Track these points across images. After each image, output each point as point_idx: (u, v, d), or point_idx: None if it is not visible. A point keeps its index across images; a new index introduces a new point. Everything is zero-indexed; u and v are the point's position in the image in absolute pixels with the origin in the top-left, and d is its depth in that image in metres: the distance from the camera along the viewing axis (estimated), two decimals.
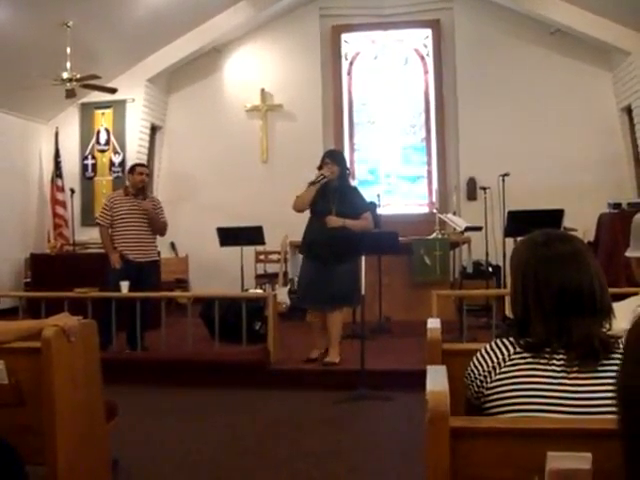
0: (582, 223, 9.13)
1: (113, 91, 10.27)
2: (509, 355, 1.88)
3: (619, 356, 1.81)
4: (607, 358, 1.81)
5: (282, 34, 11.88)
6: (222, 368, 6.57)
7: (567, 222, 8.04)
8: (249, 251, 9.91)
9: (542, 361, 1.82)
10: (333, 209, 6.48)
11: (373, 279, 7.96)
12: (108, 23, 9.92)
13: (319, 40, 11.92)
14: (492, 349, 1.93)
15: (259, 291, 9.69)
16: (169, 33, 11.11)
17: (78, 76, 9.44)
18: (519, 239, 2.11)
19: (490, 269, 9.33)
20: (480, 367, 1.93)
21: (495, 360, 1.90)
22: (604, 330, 1.87)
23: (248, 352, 6.77)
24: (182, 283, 11.50)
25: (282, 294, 9.01)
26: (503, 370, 1.86)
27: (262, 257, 10.86)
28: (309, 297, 6.58)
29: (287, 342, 7.11)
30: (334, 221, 6.44)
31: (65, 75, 9.39)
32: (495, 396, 1.85)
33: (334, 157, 6.71)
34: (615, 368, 1.78)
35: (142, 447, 4.67)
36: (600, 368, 1.79)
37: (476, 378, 1.93)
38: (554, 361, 1.82)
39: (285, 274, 10.12)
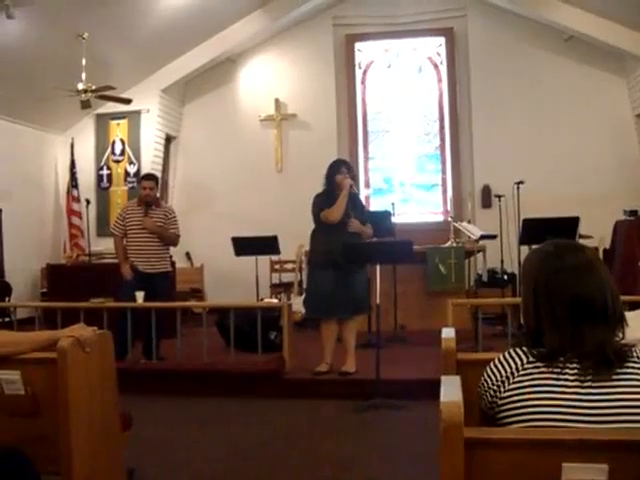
0: (598, 230, 9.08)
1: (128, 102, 10.33)
2: (522, 365, 1.87)
3: (634, 365, 1.80)
4: (621, 367, 1.80)
5: (296, 44, 11.91)
6: (237, 377, 6.57)
7: (583, 229, 8.00)
8: (264, 260, 9.92)
9: (556, 370, 1.82)
10: (352, 215, 6.51)
11: (388, 288, 7.95)
12: (123, 34, 9.99)
13: (333, 49, 11.96)
14: (505, 359, 1.93)
15: (274, 300, 9.69)
16: (183, 43, 11.17)
17: (93, 87, 9.51)
18: (531, 248, 2.11)
19: (505, 277, 9.29)
20: (493, 377, 1.92)
21: (509, 370, 1.89)
22: (617, 339, 1.86)
23: (263, 361, 6.77)
24: (197, 293, 11.53)
25: (297, 303, 8.98)
26: (517, 380, 1.86)
27: (277, 266, 10.87)
28: (329, 307, 6.51)
29: (302, 351, 7.10)
30: (355, 226, 6.52)
31: (80, 86, 9.46)
32: (509, 406, 1.84)
33: (348, 166, 6.74)
34: (630, 377, 1.77)
35: (158, 456, 4.67)
36: (614, 377, 1.78)
37: (489, 388, 1.92)
38: (567, 370, 1.81)
39: (300, 283, 10.12)
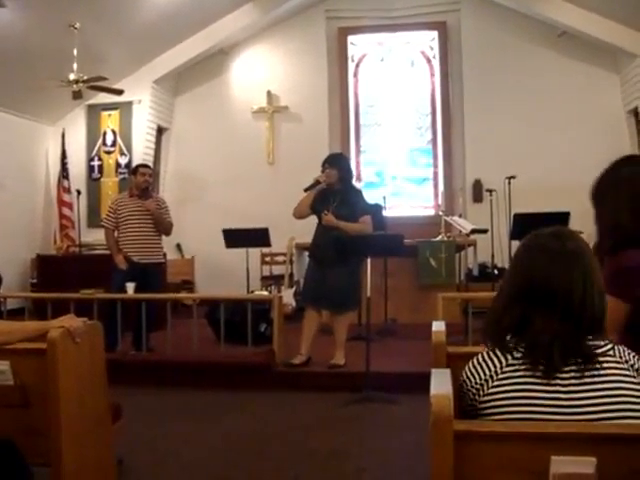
0: (588, 225, 9.05)
1: (120, 93, 10.29)
2: (501, 367, 1.85)
3: (610, 363, 1.79)
4: (598, 367, 1.78)
5: (289, 36, 11.89)
6: (227, 370, 6.57)
7: (573, 224, 8.01)
8: (255, 253, 9.92)
9: (531, 372, 1.80)
10: (330, 211, 6.50)
11: (379, 281, 7.96)
12: (115, 25, 9.95)
13: (325, 42, 11.94)
14: (484, 360, 1.90)
15: (265, 293, 9.70)
16: (176, 35, 11.13)
17: (85, 78, 9.46)
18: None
19: (496, 271, 9.31)
20: (473, 378, 1.90)
21: (487, 372, 1.87)
22: (587, 341, 1.83)
23: (253, 354, 6.77)
24: (188, 284, 11.52)
25: (288, 296, 9.00)
26: (495, 384, 1.84)
27: (268, 259, 10.86)
28: (313, 298, 6.61)
29: (293, 344, 7.11)
30: (329, 220, 6.49)
31: (72, 77, 9.41)
32: (489, 410, 1.83)
33: (332, 161, 6.72)
34: (611, 376, 1.77)
35: (147, 447, 4.67)
36: (595, 377, 1.77)
37: (469, 390, 1.91)
38: (542, 367, 1.79)
39: (291, 276, 10.13)
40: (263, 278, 10.72)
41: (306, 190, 6.66)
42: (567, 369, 1.78)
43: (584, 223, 8.91)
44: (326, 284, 6.46)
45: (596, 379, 1.77)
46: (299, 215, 6.74)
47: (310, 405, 5.81)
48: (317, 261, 6.64)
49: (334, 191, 6.59)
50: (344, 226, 6.46)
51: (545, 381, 1.77)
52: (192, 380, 6.48)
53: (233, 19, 11.30)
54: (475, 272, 9.81)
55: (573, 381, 1.77)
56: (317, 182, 6.58)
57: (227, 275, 10.36)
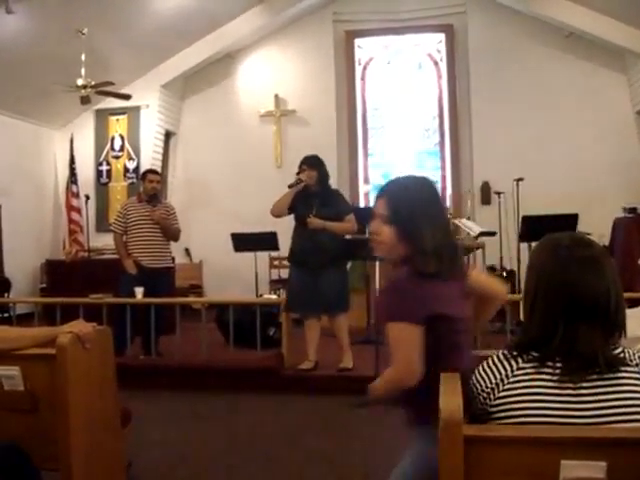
0: (597, 227, 9.07)
1: (127, 97, 10.32)
2: (512, 371, 1.84)
3: (627, 369, 1.78)
4: (613, 372, 1.76)
5: (295, 40, 11.90)
6: (236, 373, 6.58)
7: (582, 226, 7.99)
8: (263, 256, 9.92)
9: (543, 377, 1.79)
10: (313, 213, 6.47)
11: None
12: (122, 30, 9.98)
13: (332, 45, 11.94)
14: (495, 364, 1.89)
15: (273, 297, 9.68)
16: (183, 39, 11.16)
17: (93, 83, 9.51)
18: (530, 246, 2.08)
19: (505, 274, 9.30)
20: (483, 382, 1.89)
21: (498, 376, 1.86)
22: (613, 346, 1.82)
23: (262, 357, 6.78)
24: (196, 289, 11.53)
25: None
26: (506, 387, 1.83)
27: (276, 262, 10.85)
28: (301, 304, 6.57)
29: (301, 347, 7.10)
30: (315, 222, 6.44)
31: (80, 82, 9.45)
32: (500, 414, 1.82)
33: (310, 162, 6.68)
34: (622, 382, 1.75)
35: (156, 451, 4.68)
36: (607, 382, 1.75)
37: (479, 394, 1.89)
38: (556, 370, 1.78)
39: None
40: (272, 282, 10.72)
41: (290, 187, 6.64)
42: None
43: (592, 224, 8.96)
44: (318, 289, 6.40)
45: (606, 382, 1.76)
46: (278, 213, 6.69)
47: (318, 409, 5.81)
48: (302, 266, 6.51)
49: (313, 193, 6.56)
50: (330, 226, 6.43)
51: (557, 385, 1.76)
52: (201, 384, 6.48)
53: (240, 23, 11.32)
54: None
55: (585, 384, 1.75)
56: (300, 181, 6.56)
57: (236, 279, 10.36)
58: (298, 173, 6.64)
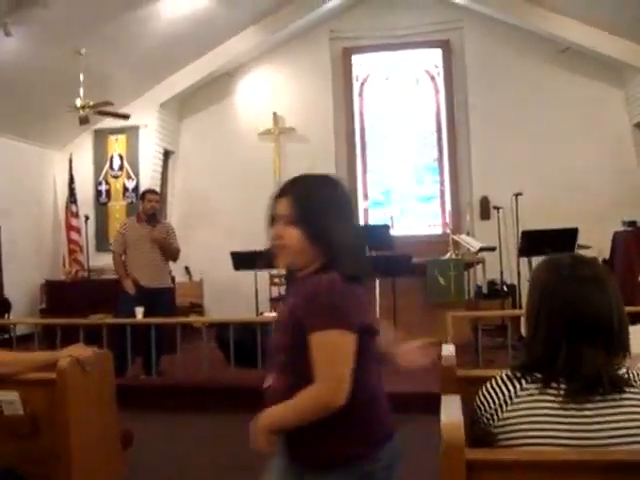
0: (597, 241, 9.09)
1: (126, 117, 10.34)
2: (515, 392, 1.83)
3: (631, 390, 1.76)
4: (617, 393, 1.75)
5: (293, 57, 11.93)
6: (238, 393, 6.54)
7: (582, 240, 8.00)
8: (263, 274, 9.90)
9: (547, 397, 1.78)
10: None
11: (388, 301, 7.92)
12: (120, 50, 10.01)
13: (330, 62, 11.98)
14: (498, 385, 1.88)
15: (274, 314, 9.65)
16: (181, 59, 11.20)
17: (91, 103, 9.52)
18: (541, 258, 2.06)
19: (505, 288, 9.29)
20: (487, 403, 1.88)
21: (502, 397, 1.85)
22: (616, 366, 1.80)
23: (263, 376, 6.74)
24: (197, 307, 11.50)
25: None
26: (510, 408, 1.82)
27: (277, 280, 10.84)
28: None
29: None
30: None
31: (79, 102, 9.46)
32: (503, 435, 1.81)
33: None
34: (627, 403, 1.74)
35: (158, 471, 4.66)
36: (611, 403, 1.74)
37: (483, 415, 1.88)
38: (560, 391, 1.77)
39: None
40: (272, 299, 10.70)
41: None
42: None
43: (592, 238, 8.95)
44: None
45: (611, 403, 1.75)
46: None
47: None
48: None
49: None
50: None
51: (561, 406, 1.75)
52: (203, 403, 6.46)
53: (237, 42, 11.36)
54: (484, 289, 9.80)
55: (589, 405, 1.74)
56: None
57: (236, 297, 10.33)
58: None
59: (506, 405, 1.83)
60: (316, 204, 2.10)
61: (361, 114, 12.30)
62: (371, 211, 12.10)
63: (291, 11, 11.21)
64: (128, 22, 9.59)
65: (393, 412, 5.32)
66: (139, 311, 6.97)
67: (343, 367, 1.95)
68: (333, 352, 1.94)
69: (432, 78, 12.15)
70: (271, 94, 12.08)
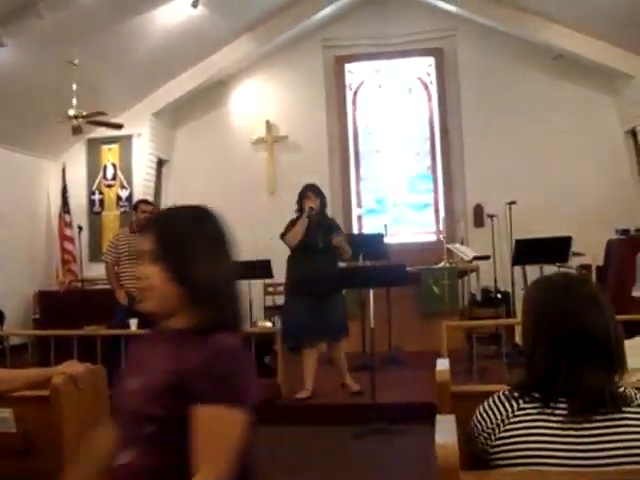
0: (591, 248, 9.11)
1: (119, 127, 10.31)
2: (513, 412, 1.82)
3: (631, 409, 1.75)
4: (618, 412, 1.74)
5: (286, 66, 11.94)
6: None
7: (575, 248, 8.00)
8: (258, 283, 9.90)
9: (545, 417, 1.77)
10: (320, 242, 6.56)
11: (382, 309, 7.94)
12: (113, 60, 10.01)
13: (322, 70, 11.99)
14: (495, 404, 1.88)
15: (268, 324, 9.65)
16: (173, 68, 11.19)
17: (84, 113, 9.49)
18: (536, 267, 2.06)
19: (499, 296, 9.31)
20: (484, 422, 1.87)
21: (499, 417, 1.84)
22: (616, 383, 1.80)
23: (262, 387, 6.73)
24: None
25: None
26: (507, 428, 1.81)
27: (271, 289, 10.83)
28: (305, 334, 6.58)
29: (298, 376, 7.08)
30: (338, 240, 6.70)
31: (72, 112, 9.44)
32: (501, 455, 1.80)
33: (316, 190, 6.78)
34: (626, 422, 1.72)
35: None
36: (610, 422, 1.73)
37: (480, 434, 1.88)
38: (559, 411, 1.76)
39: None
40: (266, 308, 10.69)
41: (297, 219, 6.69)
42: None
43: (584, 246, 8.96)
44: (324, 317, 6.45)
45: (610, 422, 1.74)
46: (293, 242, 6.68)
47: (316, 439, 5.78)
48: (306, 295, 6.52)
49: (314, 221, 6.66)
50: (347, 248, 6.74)
51: (560, 426, 1.74)
52: None
53: (229, 51, 11.35)
54: (478, 297, 9.82)
55: (587, 425, 1.73)
56: (312, 209, 6.62)
57: None
58: (301, 200, 6.69)
59: (503, 424, 1.82)
60: (180, 238, 1.84)
61: (354, 122, 12.30)
62: (365, 219, 12.09)
63: (284, 20, 11.21)
64: (121, 32, 9.59)
65: (390, 423, 5.30)
66: (133, 322, 6.95)
67: (232, 452, 1.69)
68: (224, 433, 1.68)
69: (425, 86, 12.17)
70: (264, 102, 12.08)
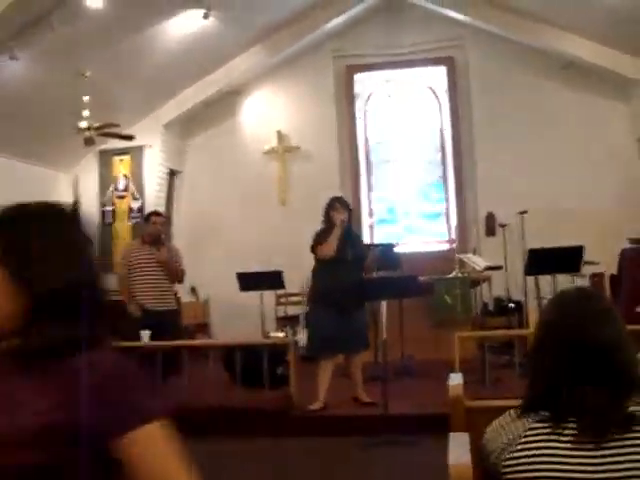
0: (604, 257, 9.05)
1: (130, 138, 10.34)
2: (524, 431, 1.79)
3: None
4: (629, 431, 1.70)
5: (297, 76, 11.96)
6: (245, 415, 6.53)
7: (588, 257, 7.96)
8: (270, 293, 9.89)
9: (555, 437, 1.73)
10: (349, 254, 6.57)
11: (395, 318, 7.91)
12: (124, 71, 10.06)
13: (333, 81, 12.00)
14: (507, 423, 1.85)
15: (280, 334, 9.64)
16: (185, 79, 11.23)
17: (96, 125, 9.53)
18: (537, 278, 2.04)
19: (512, 305, 9.27)
20: (493, 442, 1.84)
21: (510, 436, 1.80)
22: (629, 404, 1.75)
23: (270, 398, 6.74)
24: (203, 327, 11.49)
25: (304, 337, 8.95)
26: (518, 448, 1.78)
27: (283, 300, 10.82)
28: (332, 347, 6.58)
29: (311, 386, 7.06)
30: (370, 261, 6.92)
31: (83, 124, 9.47)
32: (512, 475, 1.77)
33: (343, 203, 6.82)
34: (637, 442, 1.69)
35: None
36: (621, 442, 1.69)
37: (491, 453, 1.85)
38: (569, 431, 1.72)
39: (306, 317, 10.09)
40: (278, 319, 10.69)
41: (326, 230, 6.72)
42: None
43: (598, 255, 8.92)
44: (350, 328, 6.48)
45: (621, 442, 1.70)
46: (328, 255, 6.65)
47: (328, 450, 5.76)
48: (334, 306, 6.52)
49: (343, 233, 6.67)
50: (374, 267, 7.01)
51: (570, 446, 1.72)
52: (209, 427, 6.41)
53: (241, 62, 11.39)
54: (491, 307, 9.78)
55: (600, 444, 1.69)
56: (343, 222, 6.64)
57: (242, 316, 10.29)
58: (328, 212, 6.70)
59: (514, 444, 1.79)
60: (26, 237, 1.55)
61: (365, 132, 12.30)
62: (377, 228, 12.08)
63: (294, 31, 11.24)
64: (133, 44, 9.64)
65: (402, 435, 5.27)
66: (145, 334, 6.96)
67: (183, 465, 1.55)
68: (169, 449, 1.51)
69: (436, 95, 12.16)
70: (275, 113, 12.11)
